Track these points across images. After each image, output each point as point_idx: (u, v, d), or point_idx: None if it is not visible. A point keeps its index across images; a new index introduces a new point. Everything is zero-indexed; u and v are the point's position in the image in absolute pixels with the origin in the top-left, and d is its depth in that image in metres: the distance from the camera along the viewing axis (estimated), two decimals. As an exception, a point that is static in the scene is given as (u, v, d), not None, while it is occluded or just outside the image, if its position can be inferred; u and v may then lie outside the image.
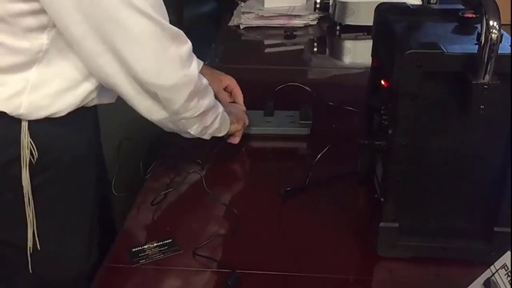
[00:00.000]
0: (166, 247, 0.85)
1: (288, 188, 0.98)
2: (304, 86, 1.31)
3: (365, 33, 1.63)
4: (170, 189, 0.98)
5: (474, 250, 0.79)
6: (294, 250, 0.85)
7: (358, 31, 1.68)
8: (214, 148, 1.07)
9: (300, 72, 1.53)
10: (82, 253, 0.93)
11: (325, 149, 0.96)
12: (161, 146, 1.11)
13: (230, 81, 1.17)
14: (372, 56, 0.94)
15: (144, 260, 0.82)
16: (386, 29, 0.84)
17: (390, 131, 0.74)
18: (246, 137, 1.11)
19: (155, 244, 0.85)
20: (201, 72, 0.94)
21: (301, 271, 0.81)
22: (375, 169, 0.91)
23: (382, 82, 0.82)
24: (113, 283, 0.81)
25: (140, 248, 0.84)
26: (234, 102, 1.17)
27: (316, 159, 0.96)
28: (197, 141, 0.99)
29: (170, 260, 0.83)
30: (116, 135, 1.08)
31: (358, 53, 1.71)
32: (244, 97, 1.18)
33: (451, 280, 0.78)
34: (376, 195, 0.87)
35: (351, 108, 1.23)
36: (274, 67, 1.53)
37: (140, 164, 1.04)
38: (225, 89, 1.17)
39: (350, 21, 1.68)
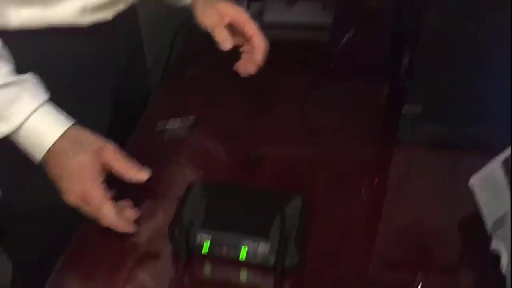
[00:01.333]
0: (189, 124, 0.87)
1: (311, 78, 0.98)
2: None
3: None
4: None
5: (495, 136, 0.78)
6: (313, 134, 0.86)
7: None
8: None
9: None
10: None
11: (351, 33, 0.94)
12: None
13: (235, 13, 0.81)
14: None
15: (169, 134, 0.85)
16: None
17: (421, 12, 0.72)
18: (266, 28, 1.08)
19: (178, 123, 0.87)
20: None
21: (319, 152, 0.83)
22: (402, 58, 0.90)
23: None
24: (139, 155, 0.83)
25: (165, 121, 0.87)
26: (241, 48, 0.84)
27: (341, 44, 0.94)
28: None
29: (192, 136, 0.85)
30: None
31: None
32: None
33: (470, 167, 0.77)
34: (400, 85, 0.87)
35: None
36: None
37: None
38: (230, 25, 0.81)
39: None
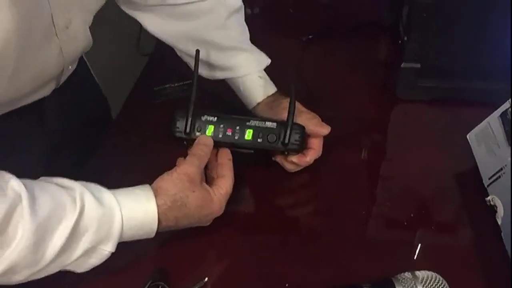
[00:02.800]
0: (186, 87, 0.86)
1: (310, 36, 0.97)
2: None
3: None
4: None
5: (494, 91, 0.78)
6: (313, 91, 0.86)
7: None
8: None
9: None
10: None
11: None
12: None
13: (313, 128, 0.72)
14: None
15: (165, 97, 0.85)
16: None
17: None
18: None
19: (176, 84, 0.87)
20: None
21: (317, 108, 0.82)
22: (401, 14, 0.89)
23: None
24: (136, 119, 0.84)
25: (162, 87, 0.86)
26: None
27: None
28: None
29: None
30: None
31: None
32: None
33: (468, 121, 0.77)
34: (399, 41, 0.86)
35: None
36: None
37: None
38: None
39: None
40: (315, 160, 0.71)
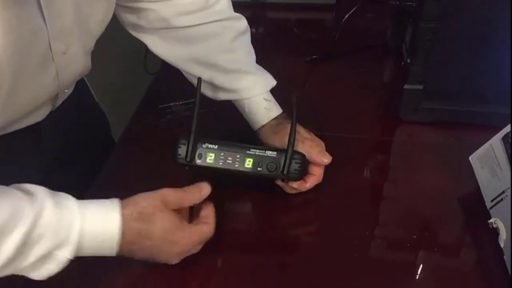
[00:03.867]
0: (191, 106, 0.87)
1: (314, 56, 0.99)
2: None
3: None
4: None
5: (496, 114, 0.79)
6: (316, 112, 0.87)
7: None
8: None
9: None
10: None
11: (354, 9, 0.94)
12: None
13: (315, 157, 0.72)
14: None
15: (170, 116, 0.85)
16: None
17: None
18: (268, 7, 1.07)
19: (182, 102, 0.88)
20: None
21: (322, 130, 0.83)
22: (405, 37, 0.90)
23: None
24: (140, 137, 0.84)
25: (167, 105, 0.87)
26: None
27: (343, 20, 0.94)
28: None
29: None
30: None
31: None
32: None
33: (471, 144, 0.78)
34: (403, 63, 0.87)
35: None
36: None
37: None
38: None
39: None
40: (317, 184, 0.72)
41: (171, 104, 0.87)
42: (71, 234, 0.56)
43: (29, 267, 0.56)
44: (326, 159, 0.72)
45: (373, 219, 0.72)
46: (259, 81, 0.77)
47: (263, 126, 0.76)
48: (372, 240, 0.69)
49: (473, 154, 0.71)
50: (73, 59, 0.68)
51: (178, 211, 0.63)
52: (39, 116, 0.72)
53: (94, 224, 0.57)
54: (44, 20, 0.59)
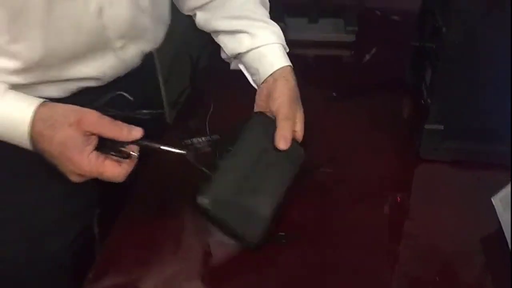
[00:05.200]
0: (213, 142, 0.88)
1: (334, 94, 1.00)
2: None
3: None
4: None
5: (518, 154, 0.79)
6: (334, 149, 0.88)
7: None
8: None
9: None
10: None
11: (373, 51, 0.95)
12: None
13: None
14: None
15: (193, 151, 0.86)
16: None
17: (443, 30, 0.73)
18: (288, 43, 1.09)
19: (204, 139, 0.89)
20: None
21: (340, 168, 0.84)
22: (424, 76, 0.91)
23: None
24: (163, 171, 0.85)
25: (189, 140, 0.89)
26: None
27: (364, 60, 0.95)
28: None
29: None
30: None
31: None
32: (287, 4, 1.13)
33: (492, 183, 0.78)
34: (422, 101, 0.88)
35: (399, 18, 1.20)
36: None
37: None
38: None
39: None
40: (338, 218, 0.72)
41: (193, 139, 0.89)
42: None
43: None
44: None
45: (393, 257, 0.71)
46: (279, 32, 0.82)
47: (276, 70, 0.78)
48: (393, 278, 0.68)
49: (495, 195, 0.71)
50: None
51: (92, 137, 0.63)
52: (97, 66, 0.75)
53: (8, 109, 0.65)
54: None
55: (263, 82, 0.80)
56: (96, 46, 0.74)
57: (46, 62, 0.70)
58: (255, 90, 0.83)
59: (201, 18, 0.88)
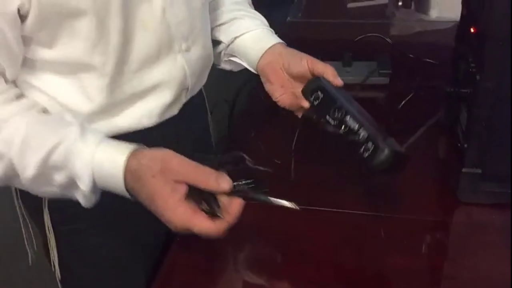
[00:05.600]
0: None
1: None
2: (383, 37, 1.31)
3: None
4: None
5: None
6: (375, 192, 0.89)
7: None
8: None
9: (382, 25, 1.52)
10: None
11: (410, 95, 0.97)
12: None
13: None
14: (462, 3, 0.94)
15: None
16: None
17: (477, 77, 0.75)
18: None
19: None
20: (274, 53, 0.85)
21: (380, 211, 0.85)
22: (459, 118, 0.92)
23: (472, 29, 0.82)
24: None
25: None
26: None
27: (400, 105, 0.97)
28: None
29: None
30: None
31: (445, 6, 1.64)
32: (323, 48, 1.15)
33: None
34: (459, 144, 0.89)
35: (432, 61, 1.22)
36: (355, 21, 1.54)
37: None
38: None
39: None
40: (377, 260, 0.73)
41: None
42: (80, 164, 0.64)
43: (62, 188, 0.66)
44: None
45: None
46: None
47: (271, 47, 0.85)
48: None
49: (535, 240, 0.71)
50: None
51: (182, 185, 0.60)
52: (167, 70, 0.78)
53: (101, 160, 0.64)
54: None
55: (261, 61, 0.85)
56: (163, 48, 0.76)
57: (121, 70, 0.73)
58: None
59: None
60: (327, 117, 0.77)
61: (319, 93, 0.79)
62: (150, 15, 0.73)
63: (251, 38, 0.88)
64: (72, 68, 0.71)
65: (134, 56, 0.73)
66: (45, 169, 0.65)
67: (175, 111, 0.83)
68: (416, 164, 0.93)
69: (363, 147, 0.72)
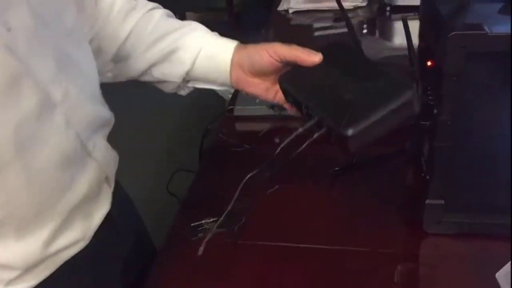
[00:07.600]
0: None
1: (336, 168, 1.02)
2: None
3: (416, 13, 1.62)
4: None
5: (520, 225, 0.80)
6: (341, 225, 0.89)
7: (408, 11, 1.66)
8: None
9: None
10: None
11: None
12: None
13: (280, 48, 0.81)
14: (419, 37, 0.96)
15: (202, 234, 0.89)
16: (432, 9, 0.86)
17: (435, 111, 0.76)
18: (290, 119, 1.11)
19: (212, 220, 0.92)
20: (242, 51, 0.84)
21: (347, 244, 0.85)
22: (423, 148, 0.93)
23: (429, 62, 0.84)
24: (176, 257, 0.88)
25: (199, 223, 0.91)
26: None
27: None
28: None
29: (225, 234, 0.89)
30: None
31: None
32: None
33: (496, 255, 0.79)
34: (423, 174, 0.90)
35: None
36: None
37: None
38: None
39: (400, 1, 1.68)
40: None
41: (202, 221, 0.91)
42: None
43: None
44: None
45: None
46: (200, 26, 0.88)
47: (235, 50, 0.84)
48: None
49: (499, 272, 0.71)
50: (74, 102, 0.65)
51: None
52: (84, 181, 0.68)
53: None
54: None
55: (231, 79, 0.84)
56: (73, 161, 0.66)
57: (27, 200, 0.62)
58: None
59: (124, 68, 0.86)
60: (307, 117, 0.75)
61: (288, 97, 0.80)
62: (53, 133, 0.63)
63: (205, 62, 0.84)
64: None
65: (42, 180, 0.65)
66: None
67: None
68: (382, 196, 0.95)
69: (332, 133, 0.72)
